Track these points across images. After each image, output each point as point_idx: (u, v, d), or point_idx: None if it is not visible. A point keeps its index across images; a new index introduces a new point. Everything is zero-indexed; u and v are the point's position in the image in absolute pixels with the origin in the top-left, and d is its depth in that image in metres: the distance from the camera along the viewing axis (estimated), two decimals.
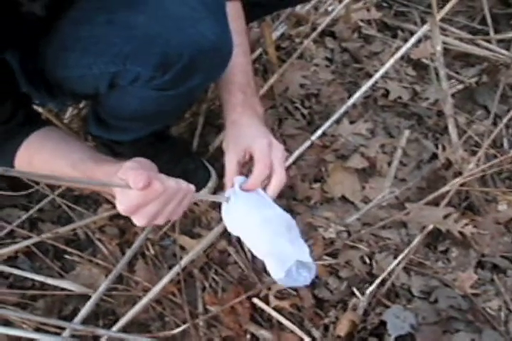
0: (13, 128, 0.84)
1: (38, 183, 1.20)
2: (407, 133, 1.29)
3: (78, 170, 0.78)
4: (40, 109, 1.26)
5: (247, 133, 0.91)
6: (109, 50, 0.76)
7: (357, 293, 1.02)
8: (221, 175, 1.23)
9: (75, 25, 0.78)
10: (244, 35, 0.97)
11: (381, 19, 1.68)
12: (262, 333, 1.03)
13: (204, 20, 0.74)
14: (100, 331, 0.97)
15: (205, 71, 0.81)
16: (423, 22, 1.64)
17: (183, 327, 1.03)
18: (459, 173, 1.12)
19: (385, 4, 1.76)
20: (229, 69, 0.95)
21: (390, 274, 1.02)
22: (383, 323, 0.97)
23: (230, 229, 0.84)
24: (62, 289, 1.11)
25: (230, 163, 0.89)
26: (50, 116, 1.27)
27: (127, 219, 1.21)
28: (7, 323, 1.07)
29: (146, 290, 1.09)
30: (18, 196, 1.23)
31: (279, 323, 1.03)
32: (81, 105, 1.34)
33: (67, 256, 1.15)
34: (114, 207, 1.22)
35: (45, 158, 0.82)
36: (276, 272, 0.79)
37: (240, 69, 0.96)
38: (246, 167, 0.91)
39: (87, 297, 1.10)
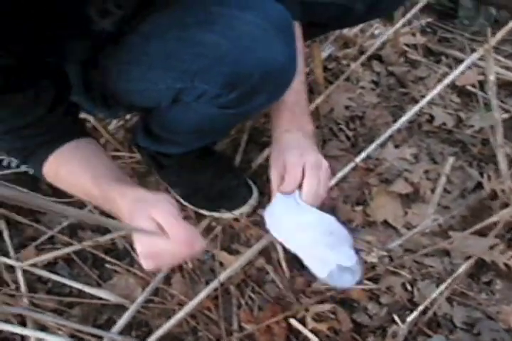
0: (52, 138, 0.85)
1: None
2: (451, 160, 1.27)
3: (97, 184, 0.79)
4: (90, 119, 1.29)
5: (286, 148, 0.92)
6: (178, 66, 0.77)
7: (397, 320, 1.00)
8: (263, 192, 1.24)
9: (145, 39, 0.79)
10: (300, 55, 0.98)
11: (425, 44, 1.68)
12: None
13: (275, 41, 0.75)
14: None
15: (270, 91, 0.82)
16: (471, 49, 1.64)
17: None
18: (506, 204, 1.11)
19: (429, 30, 1.77)
20: None
21: (432, 303, 1.00)
22: None
23: (271, 233, 0.89)
24: (99, 298, 1.12)
25: (273, 177, 0.92)
26: (97, 125, 1.29)
27: None
28: (43, 328, 1.07)
29: (181, 304, 1.08)
30: (60, 202, 1.25)
31: None
32: (128, 116, 1.36)
33: (107, 265, 1.15)
34: None
35: (71, 169, 0.84)
36: (318, 272, 0.82)
37: (292, 88, 0.96)
38: None
39: (122, 307, 1.11)
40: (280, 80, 0.81)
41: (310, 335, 1.02)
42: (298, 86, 0.97)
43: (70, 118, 0.88)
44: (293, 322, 1.04)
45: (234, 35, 0.74)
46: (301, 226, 0.85)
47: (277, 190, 0.91)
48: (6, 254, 1.18)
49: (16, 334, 1.08)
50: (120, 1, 0.72)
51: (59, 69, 0.84)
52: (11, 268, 1.16)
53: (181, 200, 1.22)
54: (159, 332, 1.05)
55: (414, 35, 1.69)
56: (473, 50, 1.53)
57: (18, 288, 1.13)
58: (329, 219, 0.86)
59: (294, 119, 0.95)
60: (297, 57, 0.80)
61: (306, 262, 0.85)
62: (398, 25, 1.39)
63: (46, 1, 0.64)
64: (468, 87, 1.50)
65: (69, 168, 0.84)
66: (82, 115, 1.36)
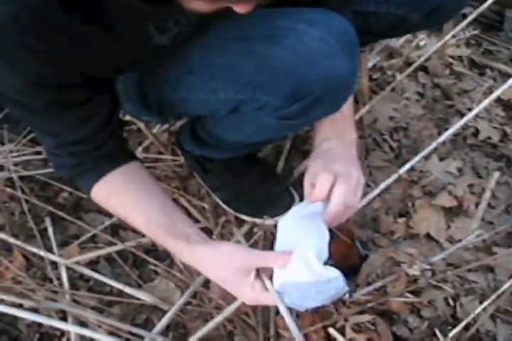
0: (101, 156, 0.86)
1: None
2: (496, 175, 1.26)
3: (151, 232, 0.86)
4: (136, 121, 1.32)
5: (319, 156, 0.91)
6: (241, 77, 0.79)
7: (439, 334, 0.99)
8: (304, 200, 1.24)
9: (209, 51, 0.81)
10: None
11: (470, 57, 1.66)
12: None
13: (339, 56, 0.75)
14: None
15: (330, 104, 0.83)
16: None
17: None
18: None
19: (473, 42, 1.75)
20: None
21: (475, 319, 0.99)
22: None
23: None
24: (137, 298, 1.13)
25: (305, 187, 0.92)
26: (142, 128, 1.32)
27: (207, 234, 1.24)
28: (83, 325, 1.09)
29: (218, 308, 1.09)
30: None
31: None
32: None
33: (150, 267, 1.16)
34: (195, 221, 1.24)
35: (122, 204, 0.87)
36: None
37: None
38: None
39: (160, 309, 1.12)
40: (341, 93, 0.82)
41: None
42: None
43: (118, 137, 0.90)
44: (332, 331, 1.03)
45: (302, 49, 0.74)
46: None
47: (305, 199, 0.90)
48: (50, 251, 1.21)
49: (57, 329, 1.10)
50: (180, 18, 0.73)
51: (112, 86, 0.86)
52: (54, 265, 1.18)
53: (223, 205, 1.23)
54: (197, 335, 1.06)
55: (459, 47, 1.68)
56: None
57: (60, 285, 1.15)
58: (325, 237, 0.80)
59: (334, 128, 0.94)
60: (357, 70, 0.81)
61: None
62: (448, 37, 1.38)
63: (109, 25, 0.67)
64: None
65: (120, 201, 0.87)
66: (128, 117, 1.40)
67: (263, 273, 0.78)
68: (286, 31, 0.75)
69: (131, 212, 0.86)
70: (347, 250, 0.92)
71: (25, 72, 0.69)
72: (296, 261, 0.76)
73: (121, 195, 0.86)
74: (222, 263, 0.79)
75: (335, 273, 0.76)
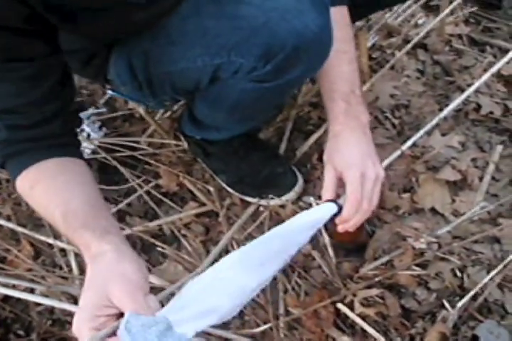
0: (40, 138, 0.79)
1: (132, 180, 1.23)
2: (499, 148, 1.26)
3: (66, 223, 0.72)
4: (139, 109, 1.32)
5: (345, 152, 0.92)
6: (216, 41, 0.79)
7: (447, 305, 1.00)
8: (307, 180, 1.24)
9: (183, 20, 0.81)
10: (352, 43, 0.98)
11: (469, 34, 1.66)
12: (345, 339, 1.02)
13: (308, 12, 0.76)
14: None
15: (305, 63, 0.83)
16: None
17: (264, 326, 1.03)
18: None
19: (472, 20, 1.74)
20: (333, 78, 0.95)
21: (482, 289, 1.00)
22: (475, 337, 0.94)
23: None
24: None
25: (328, 179, 0.91)
26: (144, 115, 1.32)
27: (213, 217, 1.25)
28: None
29: None
30: (108, 190, 1.28)
31: (363, 330, 1.01)
32: (174, 107, 1.39)
33: (159, 250, 1.17)
34: (200, 205, 1.25)
35: (46, 192, 0.76)
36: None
37: (345, 78, 0.95)
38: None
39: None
40: (315, 51, 0.81)
41: (358, 320, 1.02)
42: (351, 75, 0.96)
43: (66, 123, 0.83)
44: (340, 306, 1.04)
45: (269, 6, 0.75)
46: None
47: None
48: (58, 238, 1.22)
49: (68, 315, 1.11)
50: None
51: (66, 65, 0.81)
52: (62, 252, 1.20)
53: (227, 187, 1.24)
54: None
55: (457, 25, 1.67)
56: None
57: (70, 271, 1.16)
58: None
59: (349, 110, 0.93)
60: (332, 28, 0.80)
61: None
62: (443, 14, 1.38)
63: None
64: None
65: (45, 187, 0.76)
66: (131, 105, 1.41)
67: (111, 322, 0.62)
68: None
69: (53, 200, 0.74)
70: (357, 230, 0.92)
71: None
72: None
73: (49, 183, 0.76)
74: (108, 276, 0.64)
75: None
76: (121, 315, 0.61)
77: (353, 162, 0.89)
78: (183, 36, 0.83)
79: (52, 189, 0.76)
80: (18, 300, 1.15)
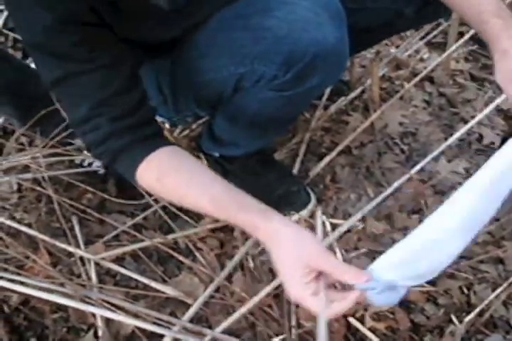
0: (144, 136, 0.83)
1: (149, 195, 1.26)
2: None
3: (219, 209, 0.76)
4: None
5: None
6: (240, 51, 0.86)
7: (455, 320, 1.04)
8: (320, 199, 1.30)
9: (213, 33, 0.89)
10: None
11: (469, 71, 1.75)
12: None
13: (326, 25, 0.83)
14: (206, 331, 1.02)
15: (323, 72, 0.89)
16: None
17: (276, 339, 1.07)
18: None
19: (470, 57, 1.84)
20: (475, 1, 0.87)
21: (488, 305, 1.04)
22: None
23: None
24: (162, 292, 1.17)
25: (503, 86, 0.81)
26: (165, 133, 1.38)
27: (228, 232, 1.29)
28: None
29: (240, 301, 1.13)
30: (126, 204, 1.32)
31: None
32: (193, 126, 1.45)
33: (175, 262, 1.20)
34: (216, 220, 1.29)
35: (179, 183, 0.80)
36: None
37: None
38: None
39: (184, 303, 1.16)
40: (331, 60, 0.87)
41: (368, 333, 1.05)
42: None
43: (154, 114, 0.88)
44: (352, 320, 1.08)
45: (292, 18, 0.82)
46: None
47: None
48: (77, 248, 1.25)
49: (83, 323, 1.14)
50: None
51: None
52: (81, 262, 1.22)
53: None
54: (222, 326, 1.08)
55: (458, 61, 1.77)
56: None
57: (89, 279, 1.19)
58: None
59: (507, 24, 0.83)
60: (347, 40, 0.87)
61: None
62: (450, 50, 1.47)
63: None
64: None
65: (176, 181, 0.80)
66: None
67: (323, 280, 0.68)
68: (279, 5, 0.84)
69: (191, 189, 0.78)
70: None
71: (52, 7, 0.72)
72: None
73: (177, 176, 0.80)
74: (297, 247, 0.70)
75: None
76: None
77: None
78: (212, 48, 0.90)
79: (184, 181, 0.79)
80: (33, 307, 1.17)
